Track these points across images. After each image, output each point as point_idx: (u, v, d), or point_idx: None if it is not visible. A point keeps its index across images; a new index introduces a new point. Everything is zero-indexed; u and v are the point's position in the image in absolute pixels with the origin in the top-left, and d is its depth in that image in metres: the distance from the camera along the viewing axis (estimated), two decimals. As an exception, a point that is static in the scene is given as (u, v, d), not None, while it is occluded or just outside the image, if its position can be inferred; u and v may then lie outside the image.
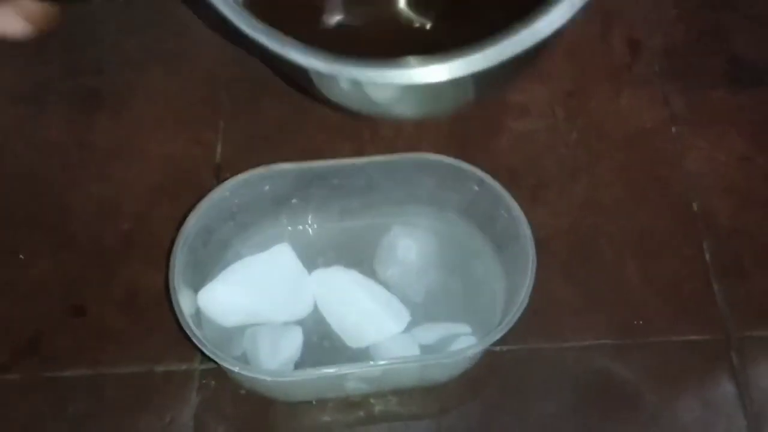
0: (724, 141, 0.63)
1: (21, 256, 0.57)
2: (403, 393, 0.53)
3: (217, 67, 0.64)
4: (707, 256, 0.58)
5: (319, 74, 0.44)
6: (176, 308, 0.47)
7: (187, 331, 0.47)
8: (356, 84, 0.44)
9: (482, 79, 0.44)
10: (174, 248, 0.49)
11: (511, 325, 0.48)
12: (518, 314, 0.48)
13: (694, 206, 0.60)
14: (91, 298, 0.55)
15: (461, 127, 0.61)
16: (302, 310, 0.53)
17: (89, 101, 0.63)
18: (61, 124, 0.62)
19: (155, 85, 0.64)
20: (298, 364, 0.51)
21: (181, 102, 0.63)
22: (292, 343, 0.51)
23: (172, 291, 0.48)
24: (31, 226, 0.58)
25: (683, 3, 0.69)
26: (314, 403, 0.52)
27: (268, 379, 0.48)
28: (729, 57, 0.67)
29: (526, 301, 0.48)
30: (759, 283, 0.57)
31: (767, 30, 0.68)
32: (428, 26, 0.52)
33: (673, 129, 0.63)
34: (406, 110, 0.54)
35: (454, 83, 0.44)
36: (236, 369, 0.46)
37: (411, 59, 0.44)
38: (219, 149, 0.61)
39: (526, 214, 0.52)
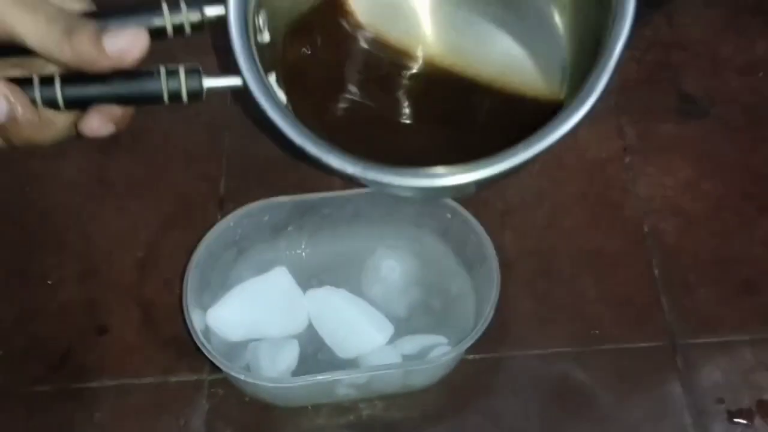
0: (671, 168, 0.66)
1: (49, 281, 0.60)
2: (388, 398, 0.56)
3: (219, 111, 0.67)
4: (656, 272, 0.61)
5: (350, 176, 0.43)
6: (189, 325, 0.52)
7: (200, 346, 0.51)
8: (383, 186, 0.44)
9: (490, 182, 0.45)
10: (186, 272, 0.54)
11: (479, 334, 0.52)
12: (485, 325, 0.52)
13: (645, 227, 0.63)
14: (113, 318, 0.59)
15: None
16: (298, 325, 0.57)
17: (107, 143, 0.62)
18: (83, 163, 0.65)
19: (165, 128, 0.67)
20: (295, 374, 0.54)
21: (189, 142, 0.67)
22: (290, 355, 0.54)
23: (185, 310, 0.52)
24: (58, 254, 0.61)
25: (636, 43, 0.72)
26: (310, 408, 0.55)
27: (270, 385, 0.52)
28: (677, 92, 0.70)
29: (492, 313, 0.52)
30: (702, 296, 0.60)
31: (712, 67, 0.72)
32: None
33: (627, 158, 0.67)
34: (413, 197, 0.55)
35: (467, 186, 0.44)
36: (242, 377, 0.51)
37: (438, 169, 0.43)
38: (222, 184, 0.65)
39: (495, 237, 0.56)
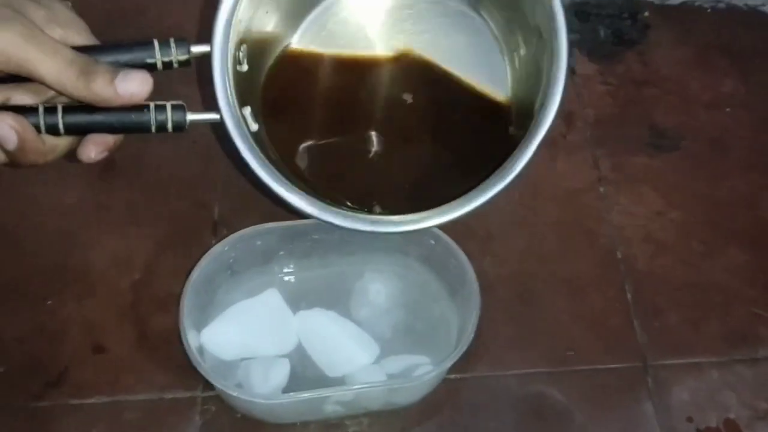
0: (643, 199, 0.68)
1: (49, 302, 0.61)
2: (373, 415, 0.57)
3: (213, 141, 0.69)
4: (628, 296, 0.63)
5: (308, 215, 0.49)
6: (185, 344, 0.53)
7: (195, 365, 0.52)
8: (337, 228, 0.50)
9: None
10: (182, 294, 0.55)
11: (459, 354, 0.54)
12: (466, 346, 0.54)
13: (618, 254, 0.65)
14: (110, 337, 0.60)
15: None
16: (288, 345, 0.58)
17: (106, 169, 0.67)
18: (83, 189, 0.67)
19: (162, 157, 0.68)
20: (285, 391, 0.56)
21: (184, 171, 0.68)
22: (281, 373, 0.56)
23: (182, 330, 0.54)
24: (58, 276, 0.62)
25: (610, 80, 0.75)
26: (298, 425, 0.56)
27: (262, 402, 0.54)
28: (649, 127, 0.73)
29: (472, 335, 0.54)
30: (671, 319, 0.62)
31: (682, 103, 0.74)
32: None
33: (601, 188, 0.69)
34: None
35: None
36: (235, 394, 0.52)
37: (389, 218, 0.50)
38: (216, 210, 0.66)
39: (476, 262, 0.57)
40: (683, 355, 0.61)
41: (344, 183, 0.54)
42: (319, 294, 0.60)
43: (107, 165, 0.67)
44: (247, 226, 0.59)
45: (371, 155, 0.55)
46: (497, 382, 0.60)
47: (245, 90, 0.49)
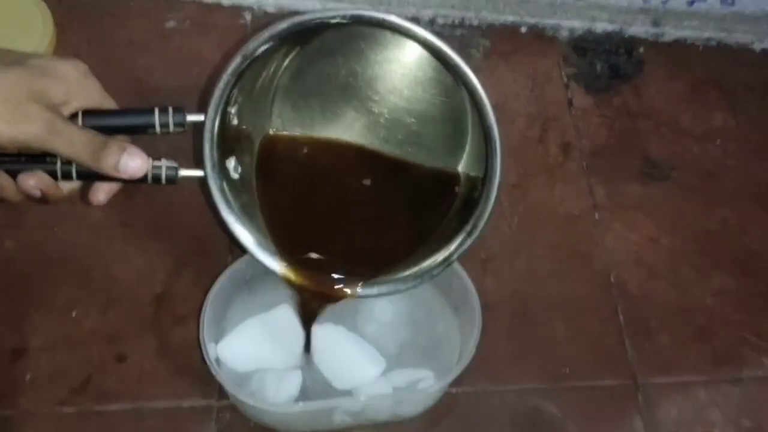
0: (636, 225, 0.71)
1: (74, 313, 0.63)
2: (379, 426, 0.60)
3: None
4: (621, 318, 0.65)
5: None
6: (205, 355, 0.56)
7: (214, 374, 0.55)
8: None
9: None
10: (203, 308, 0.58)
11: (461, 369, 0.56)
12: (467, 361, 0.56)
13: (611, 277, 0.67)
14: (132, 348, 0.62)
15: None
16: (299, 358, 0.60)
17: (129, 190, 0.62)
18: (107, 207, 0.61)
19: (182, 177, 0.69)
20: (296, 402, 0.58)
21: (202, 190, 0.65)
22: (293, 384, 0.58)
23: (202, 342, 0.56)
24: (83, 289, 0.64)
25: (605, 112, 0.78)
26: None
27: (275, 410, 0.56)
28: (642, 157, 0.75)
29: (473, 351, 0.57)
30: (661, 340, 0.65)
31: (674, 135, 0.77)
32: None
33: (596, 215, 0.71)
34: None
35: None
36: (251, 402, 0.55)
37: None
38: None
39: (477, 283, 0.60)
40: (672, 374, 0.64)
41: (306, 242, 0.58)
42: (329, 310, 0.60)
43: (131, 185, 0.68)
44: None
45: (332, 221, 0.59)
46: (496, 396, 0.62)
47: (232, 142, 0.55)
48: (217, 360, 0.60)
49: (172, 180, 0.51)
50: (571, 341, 0.65)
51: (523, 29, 0.82)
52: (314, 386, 0.60)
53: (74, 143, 0.47)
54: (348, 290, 0.56)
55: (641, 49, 0.82)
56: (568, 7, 0.81)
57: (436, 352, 0.62)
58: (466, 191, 0.58)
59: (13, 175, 0.49)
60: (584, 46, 0.82)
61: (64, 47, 0.76)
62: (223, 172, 0.54)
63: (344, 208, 0.59)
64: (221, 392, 0.59)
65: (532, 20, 0.82)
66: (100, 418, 0.60)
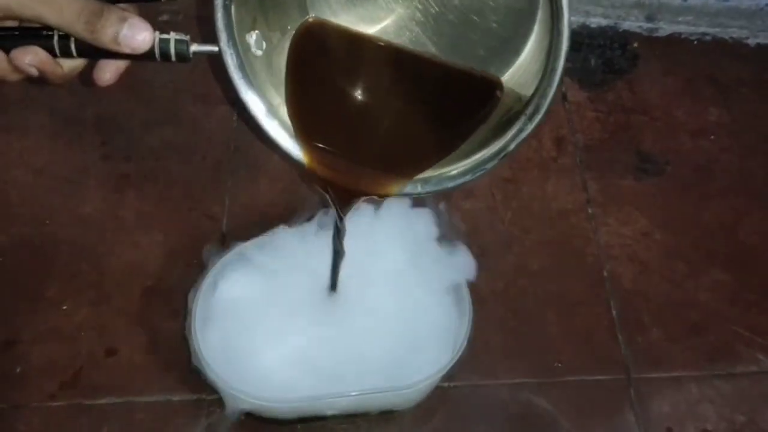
0: (629, 220, 0.70)
1: (64, 307, 0.63)
2: (370, 419, 0.59)
3: (221, 156, 0.72)
4: (613, 313, 0.65)
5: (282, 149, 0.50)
6: (194, 349, 0.55)
7: (204, 368, 0.55)
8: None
9: None
10: (192, 302, 0.57)
11: (453, 363, 0.56)
12: (459, 355, 0.56)
13: (604, 272, 0.67)
14: (122, 341, 0.62)
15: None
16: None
17: (120, 183, 0.70)
18: (98, 201, 0.69)
19: (173, 170, 0.71)
20: (288, 394, 0.57)
21: (194, 184, 0.70)
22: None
23: (191, 335, 0.56)
24: (74, 283, 0.64)
25: (599, 107, 0.77)
26: (299, 426, 0.59)
27: (264, 404, 0.56)
28: (636, 152, 0.75)
29: (465, 345, 0.56)
30: (653, 334, 0.64)
31: (668, 130, 0.77)
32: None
33: (589, 210, 0.71)
34: None
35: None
36: (240, 396, 0.54)
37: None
38: (224, 222, 0.68)
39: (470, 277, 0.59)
40: (665, 369, 0.64)
41: (337, 137, 0.53)
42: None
43: (121, 178, 0.71)
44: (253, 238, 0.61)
45: (367, 118, 0.55)
46: (488, 390, 0.62)
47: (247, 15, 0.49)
48: (207, 353, 0.58)
49: (183, 56, 0.45)
50: (563, 336, 0.64)
51: (518, 24, 0.82)
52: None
53: (63, 10, 0.43)
54: (381, 186, 0.52)
55: (635, 44, 0.82)
56: (562, 1, 0.81)
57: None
58: (510, 103, 0.53)
59: (8, 51, 0.45)
60: (578, 40, 0.82)
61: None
62: (242, 46, 0.48)
63: (379, 105, 0.55)
64: (211, 386, 0.58)
65: (527, 15, 0.81)
66: (89, 411, 0.59)
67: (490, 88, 0.53)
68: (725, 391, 0.63)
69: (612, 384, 0.63)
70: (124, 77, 0.48)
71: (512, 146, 0.48)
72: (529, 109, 0.48)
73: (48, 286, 0.64)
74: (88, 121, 0.75)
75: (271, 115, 0.50)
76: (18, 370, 0.61)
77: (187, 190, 0.69)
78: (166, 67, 0.74)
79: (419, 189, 0.51)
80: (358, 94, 0.55)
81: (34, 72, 0.45)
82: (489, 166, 0.49)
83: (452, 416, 0.61)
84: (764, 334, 0.65)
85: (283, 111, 0.51)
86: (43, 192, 0.70)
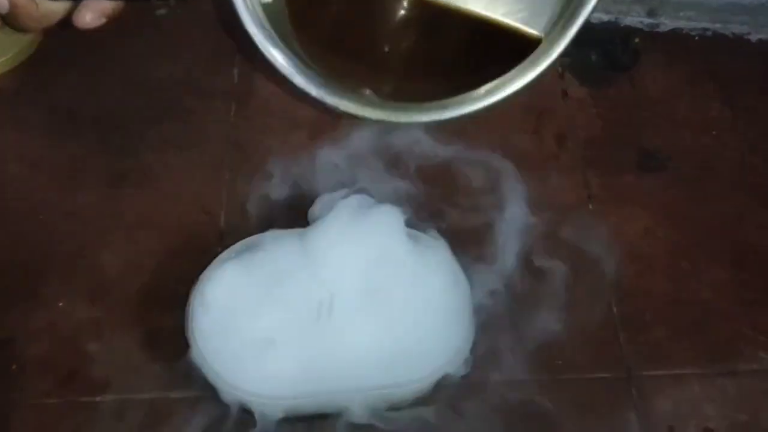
0: (631, 217, 0.70)
1: (61, 303, 0.63)
2: (369, 416, 0.57)
3: (220, 151, 0.71)
4: (615, 310, 0.65)
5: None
6: (191, 347, 0.56)
7: (200, 365, 0.55)
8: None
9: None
10: (189, 299, 0.58)
11: (451, 363, 0.56)
12: (458, 355, 0.57)
13: (606, 269, 0.66)
14: (118, 338, 0.61)
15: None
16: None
17: (117, 178, 0.69)
18: (95, 197, 0.68)
19: (171, 166, 0.70)
20: (285, 390, 0.56)
21: (192, 180, 0.70)
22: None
23: (188, 333, 0.56)
24: (70, 280, 0.64)
25: (601, 104, 0.77)
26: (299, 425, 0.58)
27: (260, 401, 0.56)
28: (638, 148, 0.74)
29: (465, 344, 0.57)
30: (655, 333, 0.64)
31: (670, 126, 0.76)
32: None
33: (591, 206, 0.70)
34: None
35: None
36: (236, 393, 0.55)
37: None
38: (222, 218, 0.68)
39: (471, 275, 0.60)
40: (666, 367, 0.63)
41: (356, 64, 0.52)
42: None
43: (118, 174, 0.71)
44: (252, 235, 0.61)
45: (389, 46, 0.53)
46: (488, 387, 0.61)
47: None
48: (205, 350, 0.58)
49: None
50: (565, 333, 0.64)
51: (518, 19, 0.81)
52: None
53: None
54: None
55: (636, 40, 0.82)
56: (563, -3, 0.80)
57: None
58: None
59: None
60: (579, 36, 0.81)
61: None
62: None
63: (400, 42, 0.53)
64: (208, 382, 0.58)
65: (527, 10, 0.81)
66: (86, 409, 0.59)
67: (525, 45, 0.51)
68: (727, 389, 0.63)
69: (613, 382, 0.62)
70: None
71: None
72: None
73: (43, 282, 0.64)
74: (85, 115, 0.74)
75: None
76: (14, 367, 0.60)
77: (185, 186, 0.68)
78: (165, 61, 0.77)
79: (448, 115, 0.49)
80: (378, 36, 0.53)
81: (3, 7, 0.40)
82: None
83: (451, 413, 0.60)
84: (767, 332, 0.65)
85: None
86: (39, 187, 0.69)
